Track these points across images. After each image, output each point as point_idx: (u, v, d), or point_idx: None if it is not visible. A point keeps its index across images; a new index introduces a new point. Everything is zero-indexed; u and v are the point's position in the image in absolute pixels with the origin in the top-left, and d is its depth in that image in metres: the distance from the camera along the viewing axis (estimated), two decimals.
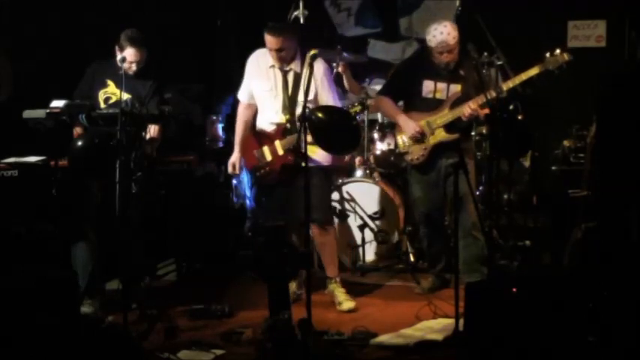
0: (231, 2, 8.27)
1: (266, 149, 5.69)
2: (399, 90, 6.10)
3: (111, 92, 5.72)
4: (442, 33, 5.74)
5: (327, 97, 5.59)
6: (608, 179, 4.82)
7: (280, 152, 5.63)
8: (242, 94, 5.88)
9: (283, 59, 5.57)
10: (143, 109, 5.27)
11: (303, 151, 4.71)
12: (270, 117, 5.69)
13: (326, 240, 5.75)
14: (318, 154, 5.50)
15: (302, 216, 4.79)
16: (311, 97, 5.36)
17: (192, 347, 4.86)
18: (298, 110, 5.49)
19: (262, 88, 5.69)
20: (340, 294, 5.73)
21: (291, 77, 5.63)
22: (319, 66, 5.56)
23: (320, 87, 5.56)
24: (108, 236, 5.40)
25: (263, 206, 5.96)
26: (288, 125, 5.61)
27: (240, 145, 5.83)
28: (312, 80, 5.37)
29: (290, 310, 4.65)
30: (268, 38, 5.53)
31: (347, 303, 5.67)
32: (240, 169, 5.87)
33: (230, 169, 5.88)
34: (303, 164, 4.70)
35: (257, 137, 5.77)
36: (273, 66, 5.64)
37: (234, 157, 5.84)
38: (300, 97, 5.46)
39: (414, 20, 8.31)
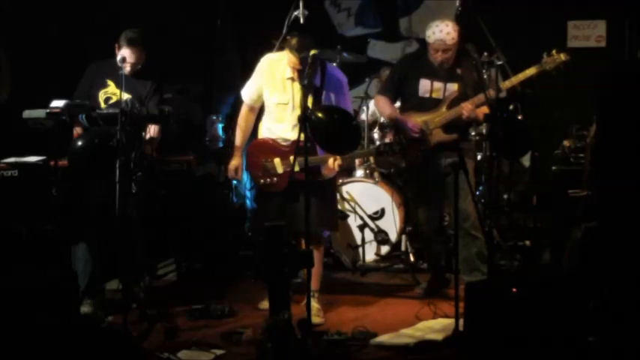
0: (231, 2, 8.27)
1: (278, 161, 5.48)
2: (397, 88, 6.10)
3: (111, 92, 5.72)
4: (442, 31, 5.74)
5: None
6: (608, 179, 4.81)
7: (296, 169, 5.27)
8: (247, 95, 5.64)
9: (301, 76, 5.27)
10: (143, 109, 5.26)
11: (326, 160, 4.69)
12: (286, 131, 5.48)
13: (315, 254, 5.37)
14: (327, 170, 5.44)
15: (302, 229, 4.78)
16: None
17: (192, 347, 4.86)
18: None
19: (278, 100, 5.46)
20: (313, 308, 5.26)
21: (310, 92, 5.29)
22: (341, 77, 5.50)
23: (341, 100, 5.42)
24: (108, 236, 5.39)
25: (261, 209, 5.83)
26: (309, 144, 5.25)
27: (242, 149, 5.65)
28: (330, 90, 5.37)
29: (290, 310, 4.64)
30: (292, 59, 5.28)
31: (315, 318, 5.32)
32: (242, 172, 5.72)
33: (231, 174, 5.68)
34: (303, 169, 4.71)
35: (267, 145, 5.55)
36: (291, 78, 5.40)
37: (236, 162, 5.64)
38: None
39: (414, 20, 8.32)
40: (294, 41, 5.27)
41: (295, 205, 5.41)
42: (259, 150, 5.58)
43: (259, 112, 5.69)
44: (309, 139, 4.90)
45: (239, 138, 5.69)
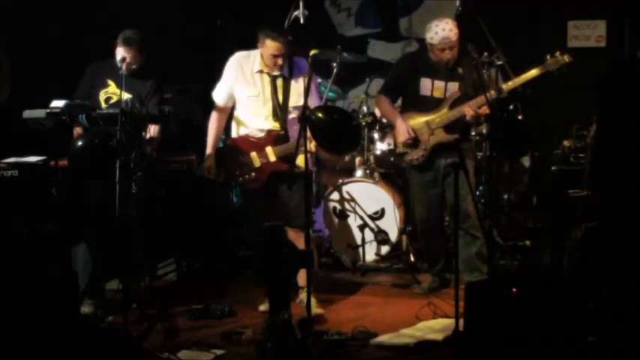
0: (231, 2, 8.27)
1: (254, 155, 5.53)
2: (398, 88, 6.10)
3: (112, 92, 5.72)
4: (444, 29, 5.73)
5: (314, 104, 5.45)
6: (608, 179, 4.82)
7: (272, 159, 5.49)
8: (218, 96, 5.71)
9: (280, 65, 5.43)
10: (143, 109, 5.27)
11: (302, 153, 4.69)
12: (259, 123, 5.54)
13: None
14: (301, 161, 5.39)
15: (286, 222, 4.83)
16: (300, 102, 5.30)
17: (192, 347, 4.87)
18: (289, 116, 5.46)
19: (249, 94, 5.54)
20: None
21: (280, 83, 5.50)
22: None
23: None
24: (108, 236, 5.39)
25: (248, 209, 5.84)
26: (282, 132, 5.49)
27: (215, 148, 5.68)
28: (299, 80, 5.42)
29: (290, 310, 4.65)
30: (274, 45, 5.37)
31: (315, 309, 5.33)
32: (217, 172, 5.71)
33: (206, 173, 5.70)
34: (301, 166, 4.73)
35: (241, 142, 5.61)
36: (260, 71, 5.50)
37: (210, 162, 5.67)
38: (291, 103, 5.46)
39: (414, 20, 8.32)
40: (269, 30, 5.38)
41: (280, 201, 5.47)
42: (234, 148, 5.63)
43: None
44: (286, 130, 5.29)
45: (211, 139, 5.72)
